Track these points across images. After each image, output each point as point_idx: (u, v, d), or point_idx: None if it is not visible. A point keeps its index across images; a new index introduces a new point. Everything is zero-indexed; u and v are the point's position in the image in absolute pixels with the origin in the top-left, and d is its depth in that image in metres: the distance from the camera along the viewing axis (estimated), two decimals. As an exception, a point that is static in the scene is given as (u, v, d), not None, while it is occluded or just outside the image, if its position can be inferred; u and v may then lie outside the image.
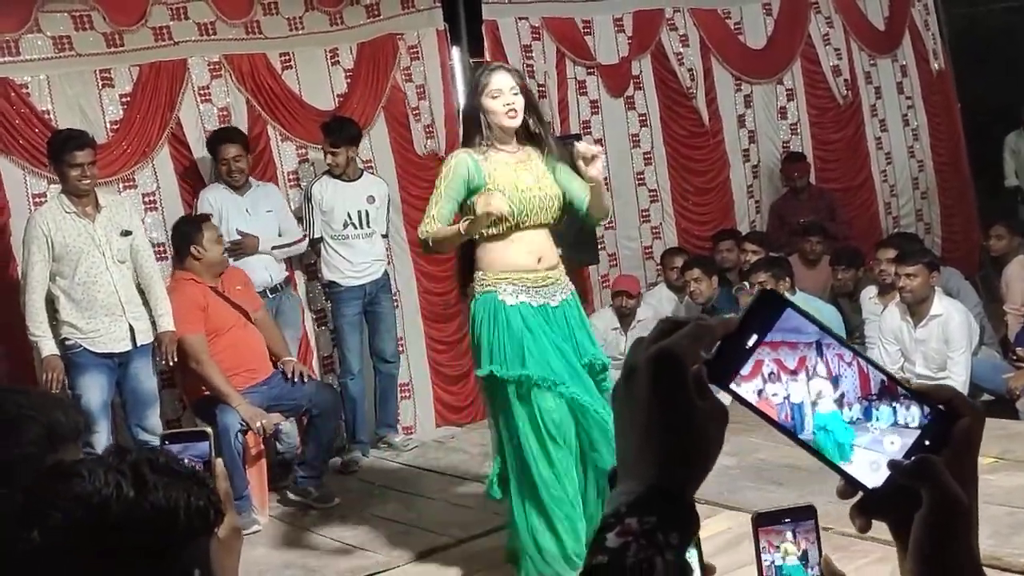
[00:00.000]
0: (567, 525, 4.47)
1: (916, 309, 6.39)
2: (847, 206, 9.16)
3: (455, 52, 7.70)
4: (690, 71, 8.63)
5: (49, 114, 6.28)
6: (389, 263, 7.08)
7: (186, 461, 1.57)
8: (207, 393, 5.94)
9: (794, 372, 0.97)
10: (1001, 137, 10.16)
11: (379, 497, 6.20)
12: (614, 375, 7.06)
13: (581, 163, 4.37)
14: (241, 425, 5.77)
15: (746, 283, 7.28)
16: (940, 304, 6.40)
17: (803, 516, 1.32)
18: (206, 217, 6.20)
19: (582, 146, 4.46)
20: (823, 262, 7.93)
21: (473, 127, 4.55)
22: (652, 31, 8.49)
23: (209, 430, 1.69)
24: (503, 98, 4.45)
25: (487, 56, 7.64)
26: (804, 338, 0.97)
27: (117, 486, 1.27)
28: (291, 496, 6.18)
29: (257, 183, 6.63)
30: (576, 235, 6.41)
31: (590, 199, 4.53)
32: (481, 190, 4.44)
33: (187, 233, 6.09)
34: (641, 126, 8.54)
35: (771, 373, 0.97)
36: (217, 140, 6.50)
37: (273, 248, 6.56)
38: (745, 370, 0.97)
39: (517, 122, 4.48)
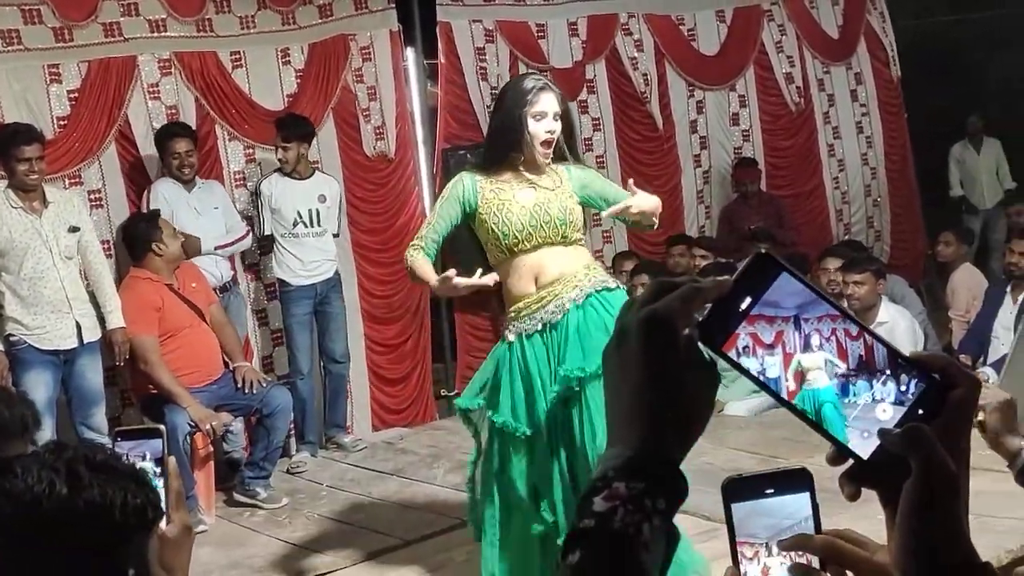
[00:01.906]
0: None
1: (863, 316, 6.44)
2: (796, 212, 9.24)
3: (410, 53, 7.68)
4: (644, 76, 8.66)
5: (-5, 108, 6.20)
6: (333, 263, 7.05)
7: (147, 456, 1.57)
8: (155, 392, 5.90)
9: (770, 346, 0.96)
10: (946, 148, 10.33)
11: (327, 498, 6.18)
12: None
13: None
14: (190, 425, 5.73)
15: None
16: (886, 311, 6.48)
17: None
18: (158, 213, 6.13)
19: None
20: (771, 268, 7.97)
21: (509, 139, 4.14)
22: (606, 36, 8.52)
23: (162, 428, 1.66)
24: (545, 122, 4.09)
25: (440, 58, 7.64)
26: (783, 312, 0.96)
27: (50, 483, 1.25)
28: (238, 496, 6.12)
29: (201, 181, 6.57)
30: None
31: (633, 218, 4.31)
32: (474, 213, 4.19)
33: (146, 230, 6.03)
34: (594, 130, 8.57)
35: (746, 347, 0.96)
36: (167, 134, 6.42)
37: (217, 248, 6.50)
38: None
39: (549, 152, 4.14)
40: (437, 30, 7.64)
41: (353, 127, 7.36)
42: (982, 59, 10.40)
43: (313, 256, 6.72)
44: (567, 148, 4.25)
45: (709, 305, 0.96)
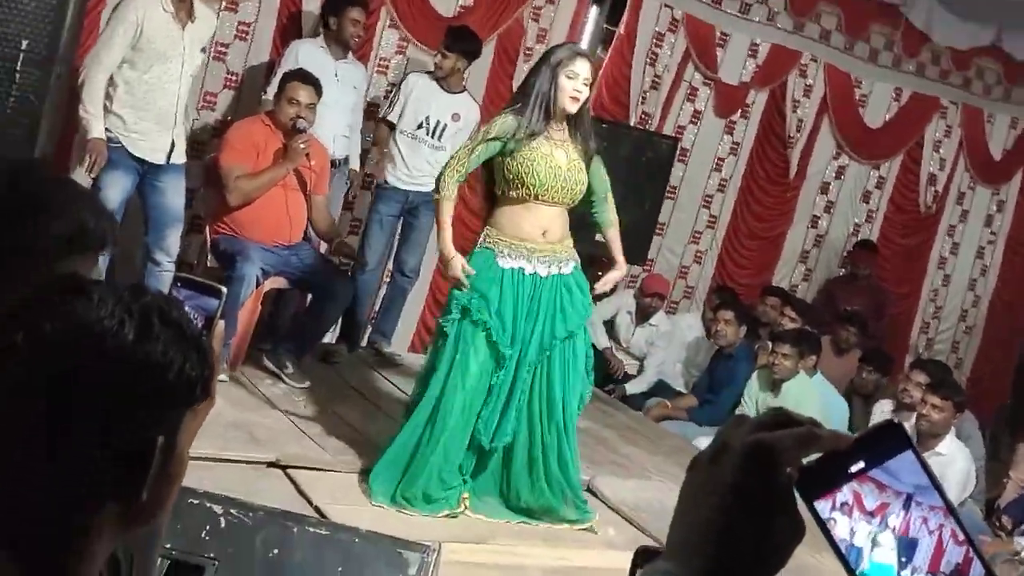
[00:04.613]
0: (454, 448, 4.87)
1: (925, 441, 6.22)
2: (887, 311, 9.04)
3: (592, 12, 7.54)
4: (800, 121, 8.48)
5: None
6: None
7: (198, 312, 1.52)
8: (230, 233, 5.86)
9: (871, 514, 0.90)
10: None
11: (348, 400, 6.08)
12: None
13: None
14: (259, 276, 5.67)
15: (768, 343, 7.17)
16: (949, 444, 6.25)
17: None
18: (300, 76, 5.92)
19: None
20: (852, 354, 7.79)
21: (542, 91, 4.69)
22: (781, 69, 8.34)
23: (224, 289, 1.60)
24: (575, 82, 4.68)
25: (621, 28, 7.49)
26: (897, 485, 0.89)
27: (120, 322, 1.15)
28: (266, 362, 6.05)
29: (352, 57, 6.48)
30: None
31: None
32: (514, 153, 4.67)
33: (280, 81, 5.98)
34: (730, 153, 8.42)
35: (844, 503, 0.90)
36: (353, 1, 6.31)
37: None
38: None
39: (575, 109, 4.74)
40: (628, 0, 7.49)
41: (511, 61, 7.26)
42: None
43: (420, 165, 6.59)
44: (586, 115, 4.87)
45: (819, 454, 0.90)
